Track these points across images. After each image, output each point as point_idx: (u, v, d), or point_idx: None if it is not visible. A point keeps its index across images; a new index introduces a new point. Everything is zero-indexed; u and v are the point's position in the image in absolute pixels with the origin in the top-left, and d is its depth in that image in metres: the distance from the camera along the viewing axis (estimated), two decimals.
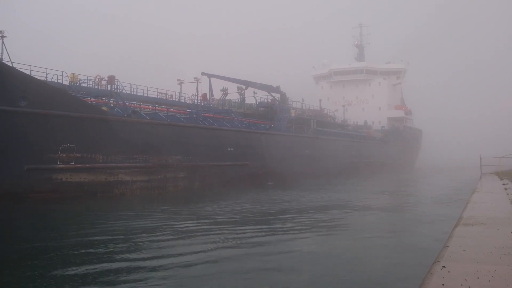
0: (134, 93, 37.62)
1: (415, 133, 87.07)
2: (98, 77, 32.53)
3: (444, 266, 5.47)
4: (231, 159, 36.11)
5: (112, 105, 30.83)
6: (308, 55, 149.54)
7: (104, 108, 28.69)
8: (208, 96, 51.04)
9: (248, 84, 54.83)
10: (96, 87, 32.47)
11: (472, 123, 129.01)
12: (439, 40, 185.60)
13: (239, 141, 37.47)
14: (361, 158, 61.81)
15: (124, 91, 33.71)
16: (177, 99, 44.81)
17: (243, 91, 52.89)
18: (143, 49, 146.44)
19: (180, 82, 47.38)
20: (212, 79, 53.54)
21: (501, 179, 24.54)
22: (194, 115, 37.01)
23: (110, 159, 26.48)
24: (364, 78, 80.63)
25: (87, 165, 25.30)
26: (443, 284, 4.80)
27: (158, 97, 41.62)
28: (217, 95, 52.38)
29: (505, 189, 17.73)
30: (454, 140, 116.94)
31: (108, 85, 32.37)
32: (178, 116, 35.56)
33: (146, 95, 39.35)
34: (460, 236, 7.60)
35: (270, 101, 54.84)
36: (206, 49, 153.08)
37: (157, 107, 34.72)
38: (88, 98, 30.93)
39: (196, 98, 46.52)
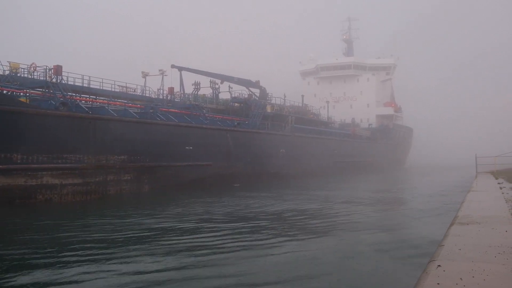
0: (86, 85, 33.97)
1: (405, 131, 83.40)
2: (33, 65, 28.56)
3: (439, 265, 5.52)
4: (190, 159, 32.23)
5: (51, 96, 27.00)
6: (296, 52, 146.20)
7: (22, 99, 24.72)
8: (180, 90, 47.40)
9: (224, 78, 51.12)
10: (31, 76, 28.51)
11: (466, 122, 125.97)
12: (431, 34, 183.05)
13: (201, 138, 33.59)
14: (346, 158, 58.07)
15: (65, 82, 30.16)
16: (141, 93, 40.98)
17: (217, 86, 49.12)
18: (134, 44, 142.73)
19: (145, 75, 43.41)
20: (185, 73, 49.55)
21: (496, 178, 24.29)
22: (150, 110, 33.18)
23: (31, 159, 22.54)
24: (352, 74, 77.04)
25: (0, 166, 21.36)
26: (438, 283, 4.82)
27: (119, 90, 37.89)
28: (190, 89, 48.41)
29: (500, 188, 17.58)
30: (447, 139, 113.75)
31: (55, 76, 28.78)
32: (131, 111, 31.70)
33: (101, 88, 35.62)
34: (455, 235, 7.57)
35: (247, 96, 51.22)
36: (188, 46, 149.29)
37: (100, 100, 30.79)
38: (23, 89, 27.18)
39: (161, 92, 42.88)
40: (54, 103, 25.71)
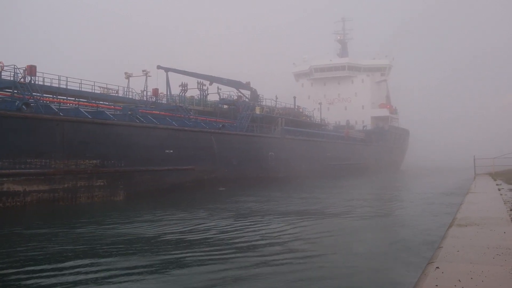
0: (63, 86, 32.44)
1: (401, 133, 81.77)
2: (0, 64, 26.90)
3: (437, 267, 5.47)
4: (171, 163, 30.57)
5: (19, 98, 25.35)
6: (296, 53, 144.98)
7: None
8: (166, 91, 45.84)
9: (213, 79, 49.58)
10: None
11: (465, 122, 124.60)
12: (430, 34, 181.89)
13: (182, 141, 31.94)
14: (339, 161, 56.40)
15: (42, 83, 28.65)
16: (123, 95, 39.43)
17: (205, 87, 47.55)
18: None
19: (128, 76, 41.82)
20: (176, 75, 47.89)
21: (495, 180, 24.27)
22: (129, 112, 31.57)
23: None
24: (347, 75, 75.53)
25: None
26: (436, 285, 4.77)
27: (99, 92, 36.38)
28: (178, 91, 46.75)
29: (499, 189, 17.61)
30: (446, 140, 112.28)
31: (29, 77, 27.19)
32: (107, 113, 30.06)
33: (80, 89, 34.11)
34: (453, 236, 7.58)
35: (236, 98, 49.64)
36: (188, 46, 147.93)
37: (77, 101, 29.16)
38: None
39: (145, 93, 41.32)
40: (18, 103, 24.09)
